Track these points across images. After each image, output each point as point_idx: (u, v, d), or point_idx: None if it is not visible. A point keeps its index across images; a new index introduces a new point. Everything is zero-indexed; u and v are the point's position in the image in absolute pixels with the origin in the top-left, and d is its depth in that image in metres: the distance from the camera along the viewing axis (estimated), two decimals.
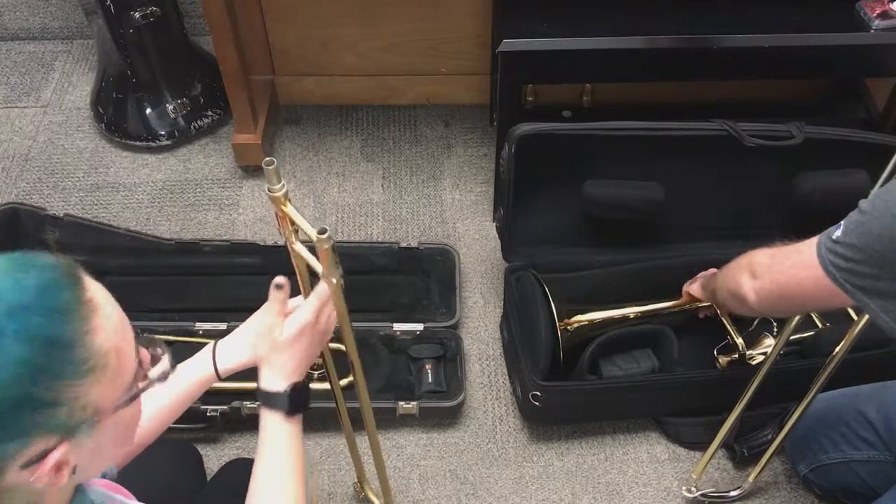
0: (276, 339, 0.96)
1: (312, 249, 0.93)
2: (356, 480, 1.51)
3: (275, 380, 0.97)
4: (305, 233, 0.92)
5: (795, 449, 1.56)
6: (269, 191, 0.91)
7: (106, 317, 0.67)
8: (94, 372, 0.64)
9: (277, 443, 0.97)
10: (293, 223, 0.94)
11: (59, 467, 0.64)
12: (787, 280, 1.15)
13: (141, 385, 0.71)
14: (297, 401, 0.97)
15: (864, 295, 1.02)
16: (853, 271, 1.02)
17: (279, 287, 0.96)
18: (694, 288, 1.59)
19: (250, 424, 1.65)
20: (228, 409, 1.61)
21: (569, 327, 1.61)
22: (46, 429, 0.62)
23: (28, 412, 0.61)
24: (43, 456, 0.63)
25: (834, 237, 1.04)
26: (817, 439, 1.49)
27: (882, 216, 0.98)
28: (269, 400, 0.97)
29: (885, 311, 1.01)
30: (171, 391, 1.03)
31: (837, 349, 1.36)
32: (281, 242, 1.87)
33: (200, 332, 1.76)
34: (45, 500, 0.68)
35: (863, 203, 1.02)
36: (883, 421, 1.40)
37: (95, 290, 0.67)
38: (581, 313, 1.64)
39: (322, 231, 0.87)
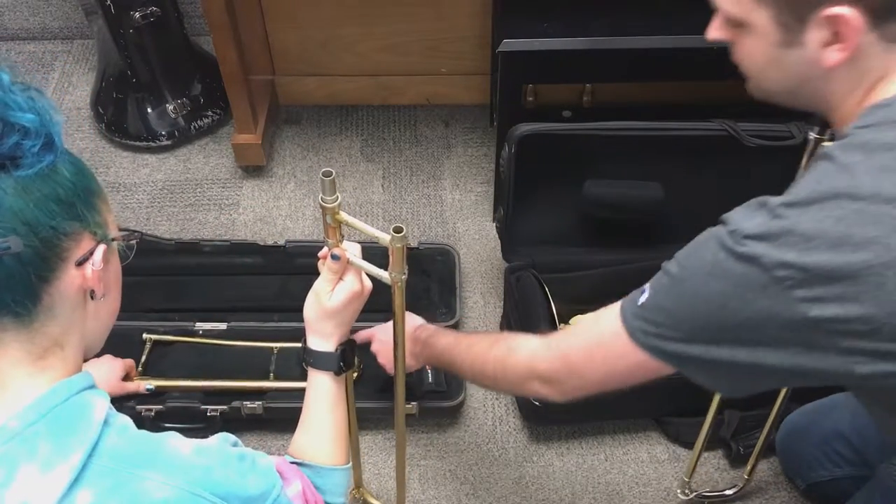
0: (325, 304, 1.01)
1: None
2: (353, 487, 1.50)
3: (324, 343, 1.04)
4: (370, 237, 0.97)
5: (789, 467, 1.57)
6: (323, 202, 0.94)
7: None
8: (105, 200, 0.82)
9: (325, 399, 1.05)
10: (336, 231, 0.98)
11: (96, 277, 0.78)
12: (608, 376, 1.01)
13: (132, 234, 0.88)
14: (345, 361, 1.05)
15: (674, 361, 0.93)
16: (663, 336, 0.91)
17: (336, 258, 1.00)
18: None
19: (250, 424, 1.66)
20: (228, 409, 1.61)
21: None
22: (90, 226, 0.78)
23: (81, 201, 0.77)
24: (90, 255, 0.78)
25: (640, 303, 0.93)
26: (805, 458, 1.50)
27: (693, 276, 0.87)
28: (319, 361, 1.04)
29: (700, 373, 0.92)
30: None
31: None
32: (280, 243, 1.88)
33: (200, 332, 1.76)
34: (70, 343, 0.80)
35: (669, 265, 0.92)
36: (857, 433, 1.40)
37: None
38: (581, 313, 1.64)
39: (398, 230, 0.92)
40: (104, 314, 0.84)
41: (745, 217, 0.84)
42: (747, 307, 0.82)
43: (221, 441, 0.86)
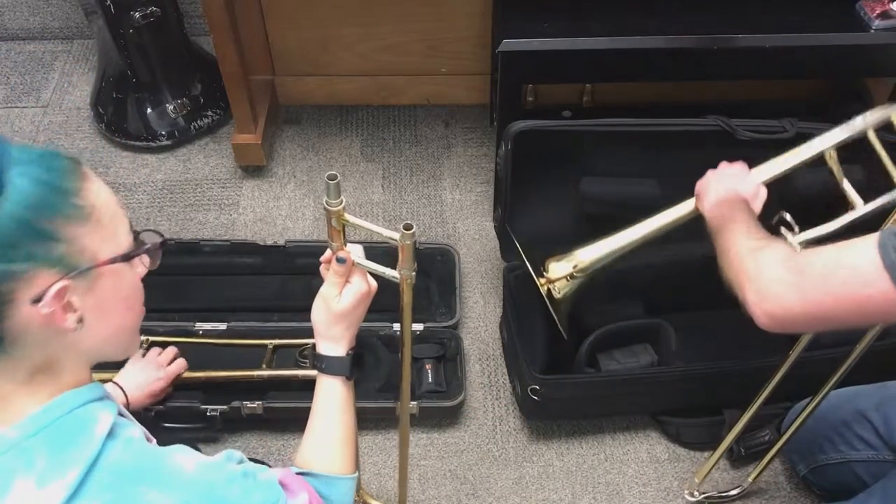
0: (334, 308, 1.00)
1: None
2: None
3: (335, 347, 1.03)
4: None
5: (794, 449, 1.56)
6: (328, 205, 0.94)
7: (100, 184, 0.79)
8: (90, 221, 0.74)
9: (336, 405, 1.03)
10: (340, 234, 0.98)
11: (64, 308, 0.72)
12: (835, 301, 0.92)
13: (137, 250, 0.81)
14: (355, 365, 1.04)
15: None
16: None
17: (342, 261, 0.99)
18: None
19: (250, 424, 1.66)
20: (228, 409, 1.61)
21: (555, 287, 1.49)
22: (47, 261, 0.70)
23: (31, 238, 0.69)
24: (42, 294, 0.71)
25: None
26: (816, 440, 1.49)
27: None
28: (331, 366, 1.03)
29: None
30: None
31: (850, 361, 1.35)
32: (280, 243, 1.88)
33: (200, 332, 1.76)
34: (62, 363, 0.77)
35: None
36: (882, 420, 1.40)
37: (90, 171, 0.79)
38: (557, 258, 1.50)
39: (408, 227, 0.92)
40: (103, 334, 0.79)
41: None
42: None
43: (226, 458, 0.84)
